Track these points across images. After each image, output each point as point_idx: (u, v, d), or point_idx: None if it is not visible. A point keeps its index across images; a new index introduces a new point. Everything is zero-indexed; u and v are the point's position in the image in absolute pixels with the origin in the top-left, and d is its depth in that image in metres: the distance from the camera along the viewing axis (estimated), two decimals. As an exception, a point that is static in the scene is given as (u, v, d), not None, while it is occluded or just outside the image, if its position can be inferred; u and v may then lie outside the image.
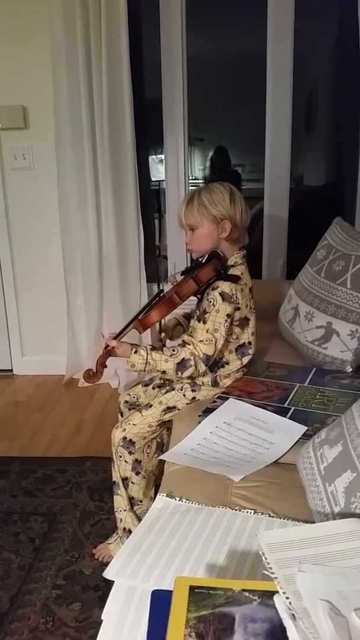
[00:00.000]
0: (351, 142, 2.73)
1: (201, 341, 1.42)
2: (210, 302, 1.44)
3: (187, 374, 1.43)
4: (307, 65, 2.79)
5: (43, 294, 2.94)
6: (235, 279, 1.46)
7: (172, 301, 1.44)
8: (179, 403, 1.53)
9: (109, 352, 1.44)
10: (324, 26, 2.84)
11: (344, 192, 2.84)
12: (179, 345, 1.44)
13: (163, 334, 1.63)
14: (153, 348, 1.42)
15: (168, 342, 1.60)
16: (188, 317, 1.68)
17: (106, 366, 1.47)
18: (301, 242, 2.34)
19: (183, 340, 1.45)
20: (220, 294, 1.43)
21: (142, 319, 1.44)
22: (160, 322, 1.58)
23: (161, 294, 1.55)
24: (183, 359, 1.41)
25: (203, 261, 1.50)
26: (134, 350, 1.41)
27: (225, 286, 1.44)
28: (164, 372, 1.43)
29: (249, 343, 1.56)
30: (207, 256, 1.50)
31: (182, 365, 1.41)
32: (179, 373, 1.42)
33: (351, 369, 1.64)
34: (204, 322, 1.43)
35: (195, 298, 1.55)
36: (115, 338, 1.44)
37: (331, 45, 2.92)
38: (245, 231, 1.55)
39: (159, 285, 1.56)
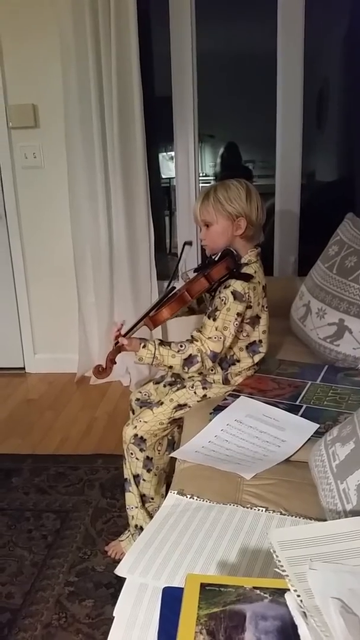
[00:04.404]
0: (363, 137, 2.71)
1: (209, 338, 1.43)
2: (222, 300, 1.44)
3: (193, 370, 1.44)
4: (318, 60, 2.77)
5: (54, 292, 2.96)
6: (247, 278, 1.45)
7: (183, 299, 1.44)
8: (190, 400, 1.53)
9: (118, 348, 1.45)
10: (335, 21, 2.81)
11: (356, 188, 2.82)
12: (187, 340, 1.44)
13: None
14: (161, 343, 1.43)
15: (176, 338, 1.60)
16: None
17: (115, 362, 1.48)
18: (313, 239, 2.33)
19: (192, 336, 1.45)
20: (232, 292, 1.43)
21: (153, 316, 1.45)
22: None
23: (172, 291, 1.55)
24: (190, 355, 1.41)
25: (216, 259, 1.50)
26: (142, 344, 1.41)
27: (237, 285, 1.44)
28: (170, 367, 1.43)
29: (260, 341, 1.56)
30: (220, 254, 1.49)
31: (188, 361, 1.42)
32: (186, 368, 1.43)
33: (363, 366, 1.63)
34: (214, 320, 1.43)
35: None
36: (125, 335, 1.45)
37: (342, 41, 2.89)
38: (261, 229, 1.54)
39: (169, 283, 1.56)
